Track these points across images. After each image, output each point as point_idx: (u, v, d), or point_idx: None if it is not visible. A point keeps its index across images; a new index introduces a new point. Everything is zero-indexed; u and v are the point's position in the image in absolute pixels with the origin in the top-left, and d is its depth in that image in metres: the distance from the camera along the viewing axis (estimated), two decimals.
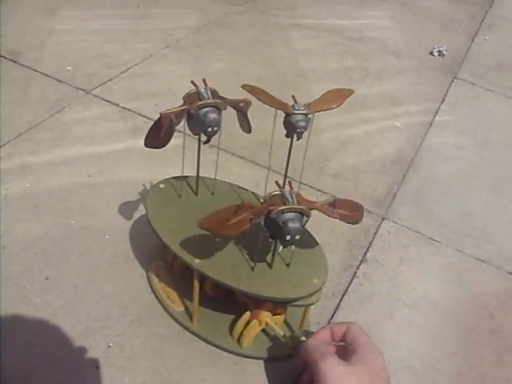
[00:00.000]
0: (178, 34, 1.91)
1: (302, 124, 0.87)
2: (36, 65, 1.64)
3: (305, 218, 0.81)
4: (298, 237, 0.80)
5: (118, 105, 1.53)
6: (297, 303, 0.89)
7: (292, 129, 0.88)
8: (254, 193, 1.05)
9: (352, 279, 1.15)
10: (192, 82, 0.90)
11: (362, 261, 1.19)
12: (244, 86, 0.90)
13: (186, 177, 1.04)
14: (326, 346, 0.85)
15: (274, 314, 0.97)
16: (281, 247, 0.83)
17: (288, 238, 0.79)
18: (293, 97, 0.91)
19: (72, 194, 1.24)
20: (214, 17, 2.07)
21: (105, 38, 1.82)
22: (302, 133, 0.89)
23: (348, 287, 1.13)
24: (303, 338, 0.91)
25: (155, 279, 1.06)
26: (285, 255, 0.92)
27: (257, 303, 0.95)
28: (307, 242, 0.95)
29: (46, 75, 1.60)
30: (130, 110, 1.51)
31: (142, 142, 0.92)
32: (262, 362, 0.97)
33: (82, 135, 1.40)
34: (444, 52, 1.99)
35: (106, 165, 1.33)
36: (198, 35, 1.93)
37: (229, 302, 1.03)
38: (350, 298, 1.11)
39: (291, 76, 1.77)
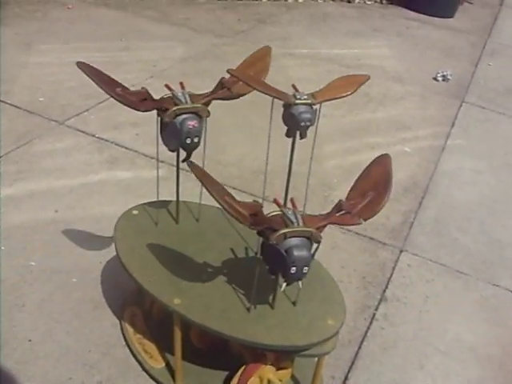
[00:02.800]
0: (163, 64, 1.74)
1: (307, 116, 0.68)
2: (6, 97, 1.46)
3: (314, 245, 0.61)
4: (306, 269, 0.60)
5: (93, 135, 1.34)
6: (307, 353, 0.68)
7: (294, 123, 0.69)
8: None
9: (371, 322, 0.93)
10: (166, 85, 0.72)
11: (380, 300, 0.98)
12: (229, 71, 0.71)
13: (165, 201, 0.84)
14: None
15: (278, 369, 0.75)
16: (284, 284, 0.62)
17: (293, 270, 0.59)
18: (293, 86, 0.72)
19: (35, 233, 1.03)
20: (201, 48, 1.91)
21: None
22: (307, 128, 0.69)
23: (367, 332, 0.91)
24: None
25: (130, 329, 0.84)
26: (290, 291, 0.71)
27: (256, 355, 0.73)
28: (316, 273, 0.75)
29: (16, 107, 1.42)
30: (106, 140, 1.33)
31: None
32: None
33: (52, 168, 1.21)
34: (448, 77, 1.83)
35: (77, 199, 1.13)
36: (184, 65, 1.77)
37: (220, 354, 0.81)
38: (371, 344, 0.89)
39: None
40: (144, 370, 0.80)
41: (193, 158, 0.82)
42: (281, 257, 0.58)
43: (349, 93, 0.72)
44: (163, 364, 0.79)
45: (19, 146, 1.27)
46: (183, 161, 0.72)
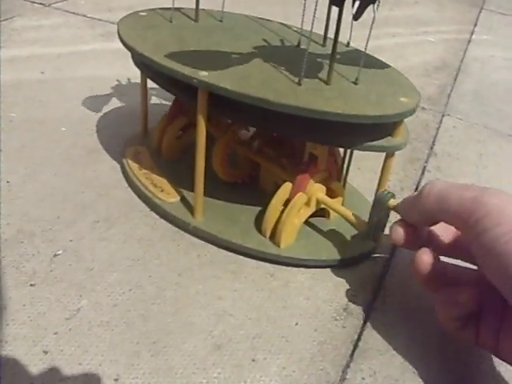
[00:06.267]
0: None
1: None
2: None
3: None
4: None
5: (85, 15, 1.13)
6: (376, 144, 0.49)
7: None
8: (283, 23, 0.66)
9: (422, 173, 0.75)
10: None
11: (429, 155, 0.79)
12: None
13: (179, 8, 0.64)
14: None
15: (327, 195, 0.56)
16: (356, 4, 0.43)
17: None
18: None
19: (17, 90, 0.83)
20: None
21: None
22: None
23: (420, 181, 0.73)
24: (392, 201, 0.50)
25: (134, 165, 0.64)
26: (348, 73, 0.52)
27: (297, 168, 0.54)
28: (377, 64, 0.56)
29: None
30: (99, 19, 1.12)
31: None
32: (313, 270, 0.55)
33: (37, 38, 1.01)
34: None
35: (67, 63, 0.93)
36: None
37: (249, 189, 0.62)
38: None
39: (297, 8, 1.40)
40: (153, 207, 0.60)
41: None
42: None
43: None
44: (177, 197, 0.60)
45: None
46: None
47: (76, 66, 0.92)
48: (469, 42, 1.28)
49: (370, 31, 0.49)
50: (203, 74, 0.47)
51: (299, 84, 0.47)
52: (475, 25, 1.41)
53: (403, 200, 0.47)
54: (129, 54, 0.62)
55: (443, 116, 0.90)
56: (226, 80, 0.46)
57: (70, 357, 0.44)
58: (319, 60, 0.54)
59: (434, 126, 0.87)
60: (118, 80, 0.87)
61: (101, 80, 0.87)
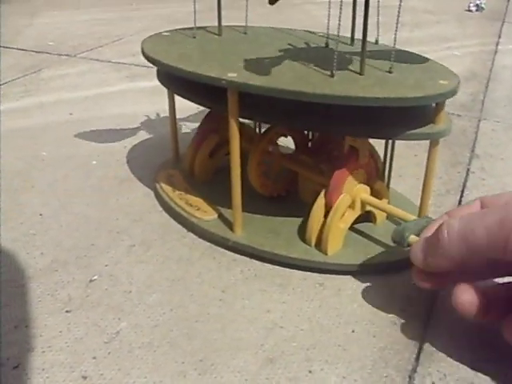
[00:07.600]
0: (178, 16, 1.57)
1: None
2: (11, 43, 1.28)
3: None
4: None
5: (109, 61, 1.15)
6: (419, 131, 0.46)
7: None
8: (308, 31, 0.64)
9: (467, 174, 0.71)
10: None
11: (471, 157, 0.76)
12: None
13: (201, 27, 0.64)
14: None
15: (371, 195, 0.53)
16: None
17: None
18: None
19: (46, 131, 0.83)
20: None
21: (93, 23, 1.48)
22: None
23: (465, 183, 0.69)
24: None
25: (168, 188, 0.62)
26: (379, 64, 0.49)
27: (337, 163, 0.51)
28: (409, 55, 0.53)
29: (22, 49, 1.23)
30: (124, 63, 1.13)
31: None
32: (364, 277, 0.51)
33: (63, 85, 1.02)
34: (482, 5, 1.63)
35: (94, 103, 0.93)
36: (201, 15, 1.58)
37: (288, 202, 0.59)
38: (474, 193, 0.66)
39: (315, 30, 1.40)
40: (190, 228, 0.58)
41: None
42: None
43: None
44: (215, 215, 0.57)
45: (26, 74, 1.08)
46: None
47: (103, 105, 0.92)
48: (495, 52, 1.25)
49: (398, 20, 0.47)
50: (232, 75, 0.45)
51: (332, 76, 0.45)
52: (499, 36, 1.39)
53: (413, 248, 0.42)
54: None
55: (479, 121, 0.87)
56: (255, 78, 0.44)
57: (111, 381, 0.41)
58: (349, 56, 0.52)
59: (472, 130, 0.83)
60: (144, 115, 0.86)
61: (128, 117, 0.87)
